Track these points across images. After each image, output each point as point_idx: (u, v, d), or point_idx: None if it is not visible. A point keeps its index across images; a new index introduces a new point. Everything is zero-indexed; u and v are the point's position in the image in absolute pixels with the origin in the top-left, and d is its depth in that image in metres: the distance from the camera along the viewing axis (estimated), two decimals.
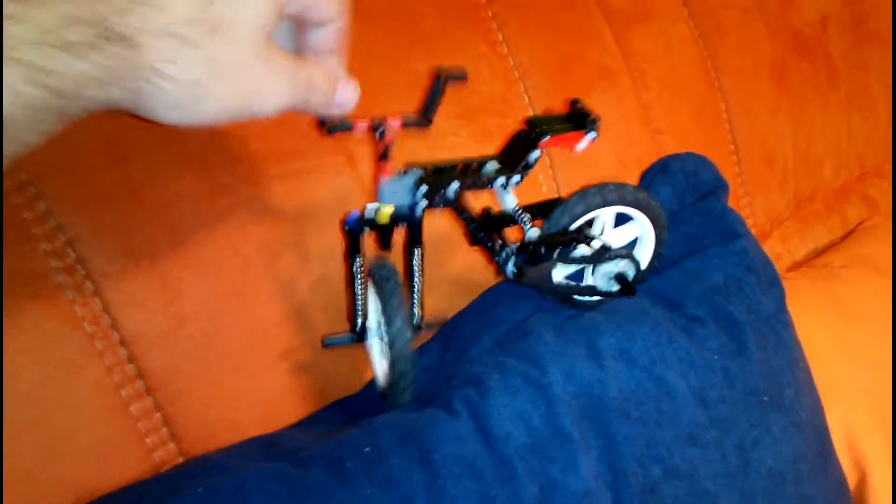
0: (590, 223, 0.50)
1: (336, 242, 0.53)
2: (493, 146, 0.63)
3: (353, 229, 0.46)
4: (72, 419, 0.46)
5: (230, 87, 0.33)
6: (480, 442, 0.44)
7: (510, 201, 0.49)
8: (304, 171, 0.53)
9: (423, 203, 0.46)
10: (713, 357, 0.49)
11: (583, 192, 0.49)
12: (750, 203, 0.84)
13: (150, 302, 0.47)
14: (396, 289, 0.45)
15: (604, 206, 0.49)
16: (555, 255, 0.48)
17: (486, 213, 0.52)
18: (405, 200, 0.46)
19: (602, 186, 0.49)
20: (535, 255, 0.48)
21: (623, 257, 0.50)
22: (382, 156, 0.44)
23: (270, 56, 0.35)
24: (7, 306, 0.43)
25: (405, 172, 0.46)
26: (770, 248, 0.87)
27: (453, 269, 0.62)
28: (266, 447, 0.46)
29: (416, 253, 0.48)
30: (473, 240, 0.50)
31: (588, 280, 0.53)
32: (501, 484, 0.42)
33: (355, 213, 0.45)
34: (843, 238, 0.88)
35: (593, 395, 0.47)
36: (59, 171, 0.45)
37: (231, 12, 0.32)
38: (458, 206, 0.48)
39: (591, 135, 0.48)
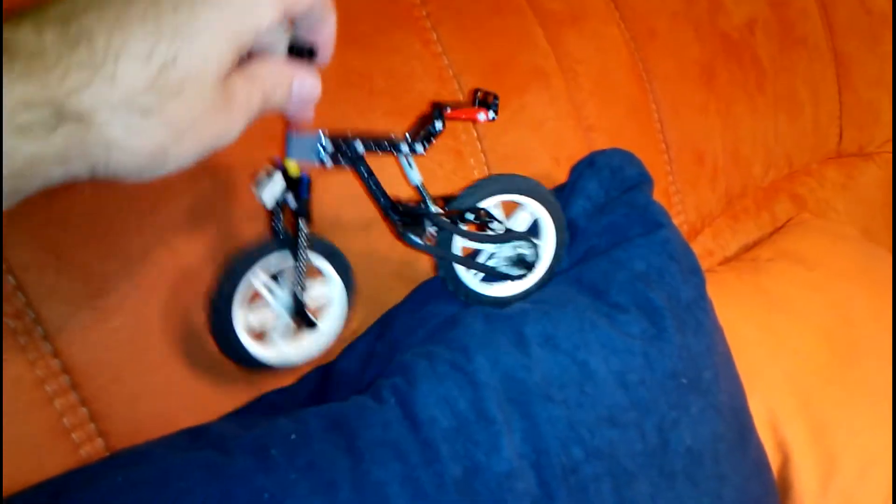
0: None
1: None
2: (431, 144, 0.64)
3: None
4: None
5: (193, 141, 0.33)
6: (406, 426, 0.45)
7: (415, 176, 0.51)
8: (235, 165, 0.53)
9: (322, 159, 0.46)
10: (634, 342, 0.51)
11: (478, 182, 0.52)
12: (681, 200, 0.87)
13: (74, 295, 0.47)
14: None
15: (500, 193, 0.52)
16: (456, 224, 0.51)
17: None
18: (310, 157, 0.46)
19: (497, 176, 0.53)
20: (416, 215, 0.50)
21: (523, 238, 0.53)
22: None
23: (228, 97, 0.34)
24: None
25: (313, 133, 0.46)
26: (702, 243, 0.90)
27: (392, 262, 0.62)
28: (195, 437, 0.46)
29: (300, 224, 0.47)
30: (379, 206, 0.51)
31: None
32: (425, 465, 0.43)
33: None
34: (772, 234, 0.91)
35: (517, 379, 0.48)
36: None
37: (186, 72, 0.31)
38: (362, 168, 0.48)
39: (492, 113, 0.50)
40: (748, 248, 0.90)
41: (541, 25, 0.75)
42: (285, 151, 0.45)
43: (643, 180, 0.61)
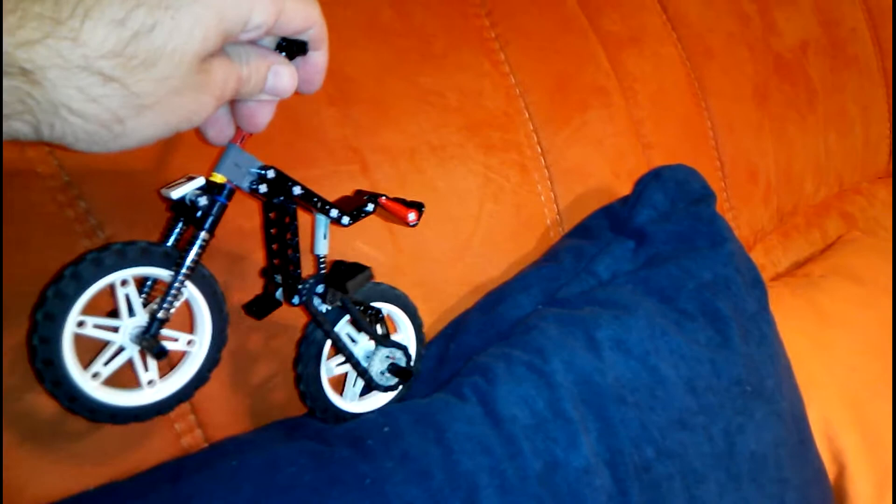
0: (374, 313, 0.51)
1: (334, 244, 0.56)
2: (496, 158, 0.68)
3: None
4: None
5: (155, 118, 0.30)
6: (489, 423, 0.48)
7: (323, 247, 0.48)
8: (318, 177, 0.57)
9: (256, 186, 0.42)
10: (702, 349, 0.53)
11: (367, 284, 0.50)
12: (735, 217, 0.89)
13: None
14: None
15: (381, 300, 0.51)
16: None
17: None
18: (240, 180, 0.42)
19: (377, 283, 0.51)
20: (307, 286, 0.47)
21: (399, 347, 0.51)
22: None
23: (204, 78, 0.32)
24: None
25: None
26: (754, 259, 0.91)
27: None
28: (291, 429, 0.49)
29: (199, 237, 0.41)
30: (283, 257, 0.46)
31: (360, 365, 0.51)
32: (509, 459, 0.46)
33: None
34: (823, 251, 0.93)
35: (592, 382, 0.51)
36: (99, 173, 0.49)
37: (164, 44, 0.29)
38: (292, 210, 0.44)
39: (420, 212, 0.48)
40: (799, 265, 0.92)
41: (602, 46, 0.78)
42: (217, 162, 0.41)
43: (707, 194, 0.63)
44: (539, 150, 0.72)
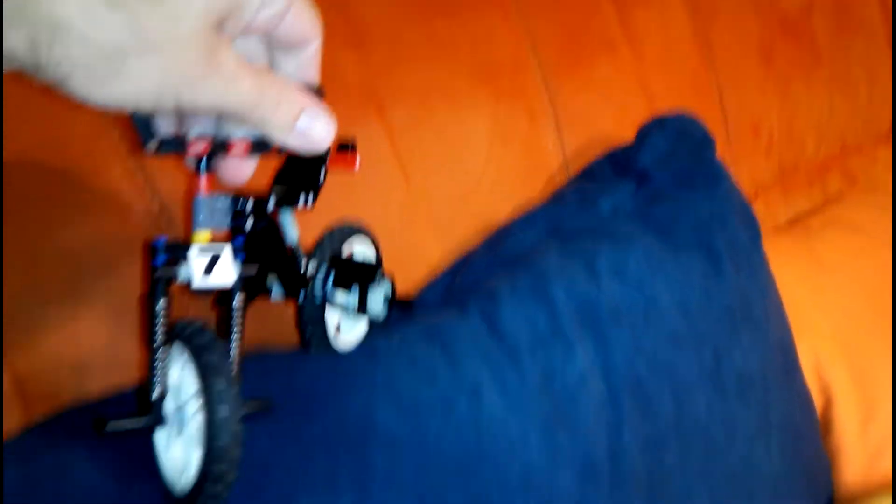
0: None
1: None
2: (505, 104, 0.71)
3: (161, 259, 0.36)
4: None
5: (159, 64, 0.28)
6: (492, 338, 0.51)
7: (294, 234, 0.45)
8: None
9: (241, 223, 0.39)
10: (695, 278, 0.57)
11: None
12: (736, 171, 0.91)
13: None
14: (222, 363, 0.35)
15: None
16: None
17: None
18: (224, 223, 0.38)
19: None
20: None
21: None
22: (200, 166, 0.36)
23: (215, 48, 0.29)
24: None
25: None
26: (755, 212, 0.95)
27: None
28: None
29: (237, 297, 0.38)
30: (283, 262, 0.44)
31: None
32: (511, 369, 0.50)
33: (163, 238, 0.36)
34: (823, 206, 0.96)
35: (590, 305, 0.54)
36: None
37: None
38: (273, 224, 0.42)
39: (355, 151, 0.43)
40: (799, 218, 0.95)
41: (611, 1, 0.81)
42: (193, 220, 0.37)
43: (707, 139, 0.67)
44: (547, 98, 0.75)
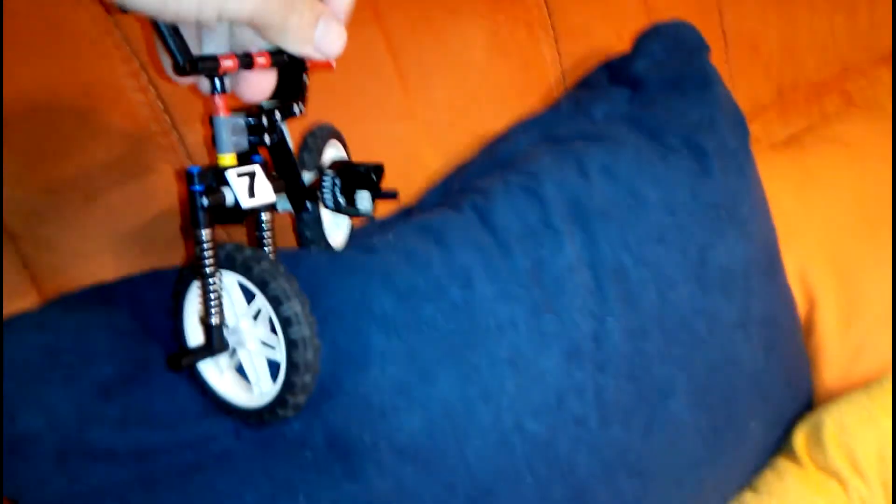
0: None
1: None
2: (504, 14, 0.72)
3: (200, 188, 0.36)
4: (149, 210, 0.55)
5: None
6: (484, 230, 0.54)
7: (290, 143, 0.44)
8: None
9: (257, 139, 0.39)
10: (682, 177, 0.59)
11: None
12: (735, 87, 0.92)
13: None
14: (290, 286, 0.38)
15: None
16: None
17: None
18: (242, 142, 0.38)
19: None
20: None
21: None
22: (222, 86, 0.35)
23: None
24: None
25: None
26: (752, 131, 0.95)
27: None
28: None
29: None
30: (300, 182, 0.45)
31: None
32: (501, 258, 0.52)
33: (196, 167, 0.36)
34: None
35: (579, 201, 0.56)
36: None
37: None
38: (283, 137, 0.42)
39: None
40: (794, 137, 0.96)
41: None
42: (217, 142, 0.37)
43: (701, 46, 0.68)
44: (546, 10, 0.76)
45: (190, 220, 0.36)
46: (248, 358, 0.40)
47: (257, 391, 0.40)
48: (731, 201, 0.60)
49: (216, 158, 0.36)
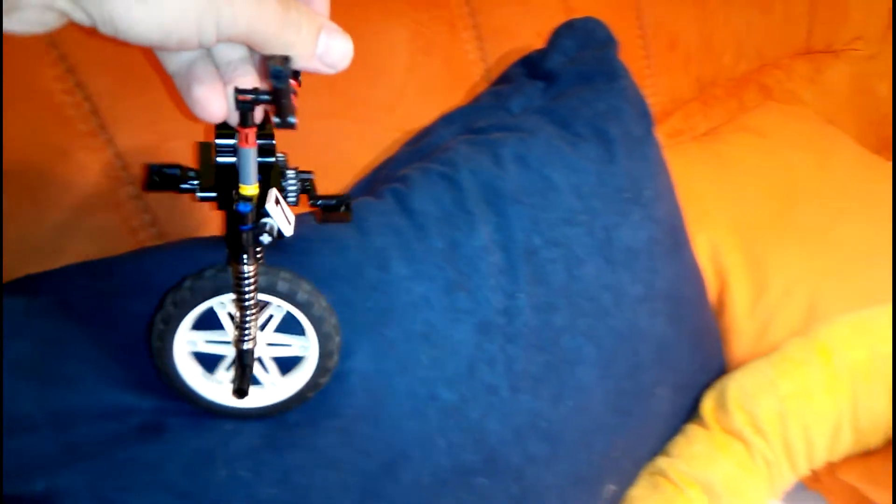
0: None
1: None
2: (426, 14, 0.75)
3: (249, 226, 0.37)
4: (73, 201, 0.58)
5: None
6: (401, 214, 0.57)
7: None
8: None
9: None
10: (590, 163, 0.63)
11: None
12: (654, 83, 0.97)
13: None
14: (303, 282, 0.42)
15: None
16: None
17: None
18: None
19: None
20: None
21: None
22: (249, 120, 0.34)
23: None
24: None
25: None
26: (672, 125, 1.00)
27: None
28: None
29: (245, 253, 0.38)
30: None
31: None
32: (417, 240, 0.55)
33: (247, 206, 0.36)
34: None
35: (493, 187, 0.60)
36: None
37: None
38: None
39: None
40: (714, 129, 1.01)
41: None
42: (245, 172, 0.35)
43: (610, 41, 0.72)
44: (468, 10, 0.80)
45: (234, 255, 0.37)
46: (258, 363, 0.44)
47: (271, 388, 0.45)
48: (635, 185, 0.64)
49: (239, 188, 0.36)
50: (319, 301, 0.42)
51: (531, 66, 0.74)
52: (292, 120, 0.32)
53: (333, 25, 0.33)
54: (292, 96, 0.32)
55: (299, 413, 0.46)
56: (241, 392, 0.41)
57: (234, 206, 0.36)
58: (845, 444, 0.64)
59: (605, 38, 0.72)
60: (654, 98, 0.98)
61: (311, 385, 0.45)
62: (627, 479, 0.64)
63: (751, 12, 1.06)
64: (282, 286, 0.40)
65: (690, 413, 0.69)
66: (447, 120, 0.71)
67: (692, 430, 0.66)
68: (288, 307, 0.42)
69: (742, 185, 0.83)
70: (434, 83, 0.78)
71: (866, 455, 0.66)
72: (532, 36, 0.83)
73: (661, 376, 0.64)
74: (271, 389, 0.45)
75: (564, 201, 0.61)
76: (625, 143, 0.65)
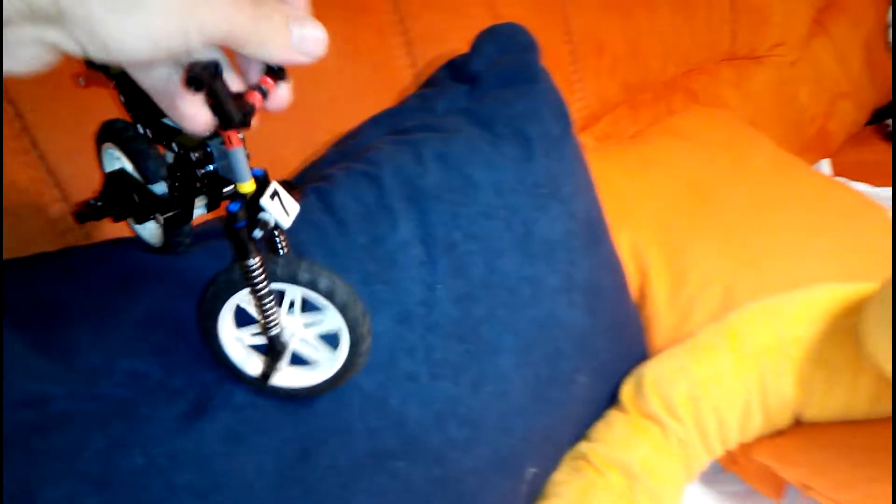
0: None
1: None
2: (355, 21, 0.77)
3: (243, 223, 0.38)
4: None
5: None
6: (324, 211, 0.59)
7: None
8: None
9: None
10: (509, 161, 0.65)
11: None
12: (583, 87, 1.01)
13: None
14: (316, 268, 0.42)
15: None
16: None
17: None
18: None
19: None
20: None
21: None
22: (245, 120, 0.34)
23: None
24: None
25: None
26: (602, 129, 1.04)
27: None
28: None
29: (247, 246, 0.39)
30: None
31: None
32: (338, 236, 0.57)
33: (236, 205, 0.37)
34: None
35: (415, 184, 0.62)
36: None
37: None
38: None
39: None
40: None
41: None
42: (238, 171, 0.36)
43: (531, 46, 0.75)
44: (396, 17, 0.82)
45: (237, 253, 0.38)
46: (303, 343, 0.46)
47: (326, 363, 0.47)
48: (553, 181, 0.67)
49: (237, 187, 0.37)
50: (325, 275, 0.42)
51: (456, 70, 0.76)
52: (234, 119, 0.32)
53: (303, 14, 0.32)
54: (252, 94, 0.33)
55: (217, 399, 0.48)
56: (264, 377, 0.43)
57: (226, 206, 0.37)
58: (756, 425, 0.68)
59: (526, 42, 0.75)
60: (582, 102, 1.01)
61: (354, 353, 0.45)
62: (550, 463, 0.66)
63: (675, 19, 1.10)
64: (303, 277, 0.41)
65: (613, 400, 0.71)
66: (374, 121, 0.73)
67: (612, 415, 0.69)
68: (305, 292, 0.42)
69: (663, 185, 0.87)
70: (364, 88, 0.80)
71: (777, 435, 0.69)
72: (460, 42, 0.86)
73: (580, 363, 0.66)
74: (326, 365, 0.47)
75: (484, 197, 0.64)
76: (543, 142, 0.68)
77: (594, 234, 0.70)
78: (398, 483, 0.53)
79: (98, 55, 0.27)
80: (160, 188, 0.46)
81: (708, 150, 0.94)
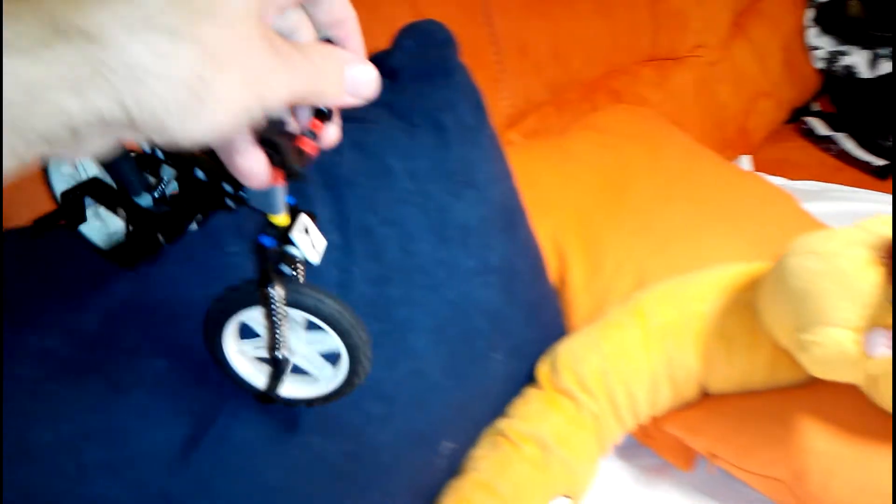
0: None
1: None
2: None
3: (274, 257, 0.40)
4: None
5: (235, 76, 0.27)
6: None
7: None
8: None
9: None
10: (425, 150, 0.68)
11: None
12: (509, 86, 1.05)
13: None
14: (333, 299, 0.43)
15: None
16: None
17: None
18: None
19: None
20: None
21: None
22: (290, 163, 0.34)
23: (270, 38, 0.29)
24: None
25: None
26: (528, 125, 1.08)
27: None
28: None
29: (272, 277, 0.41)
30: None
31: None
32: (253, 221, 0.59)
33: (269, 240, 0.40)
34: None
35: (331, 172, 0.64)
36: None
37: None
38: None
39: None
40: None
41: None
42: (274, 206, 0.38)
43: (449, 42, 0.78)
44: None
45: (260, 281, 0.39)
46: (304, 360, 0.47)
47: (325, 379, 0.48)
48: (468, 169, 0.70)
49: (269, 217, 0.39)
50: (330, 302, 0.43)
51: (376, 65, 0.79)
52: (296, 169, 0.33)
53: (353, 57, 0.33)
54: (304, 139, 0.34)
55: (130, 376, 0.49)
56: (265, 396, 0.44)
57: (258, 239, 0.38)
58: (665, 398, 0.71)
59: (444, 38, 0.78)
60: (508, 100, 1.05)
61: (354, 372, 0.46)
62: (467, 438, 0.68)
63: (595, 22, 1.15)
64: (308, 302, 0.42)
65: (531, 378, 0.74)
66: None
67: (529, 392, 0.72)
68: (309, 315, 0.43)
69: (582, 177, 0.91)
70: None
71: (686, 408, 0.73)
72: (383, 40, 0.89)
73: (496, 341, 0.69)
74: (325, 381, 0.48)
75: (399, 184, 0.66)
76: (458, 131, 0.71)
77: (510, 219, 0.73)
78: (311, 457, 0.55)
79: (168, 147, 0.28)
80: (145, 200, 0.47)
81: (625, 144, 0.98)
